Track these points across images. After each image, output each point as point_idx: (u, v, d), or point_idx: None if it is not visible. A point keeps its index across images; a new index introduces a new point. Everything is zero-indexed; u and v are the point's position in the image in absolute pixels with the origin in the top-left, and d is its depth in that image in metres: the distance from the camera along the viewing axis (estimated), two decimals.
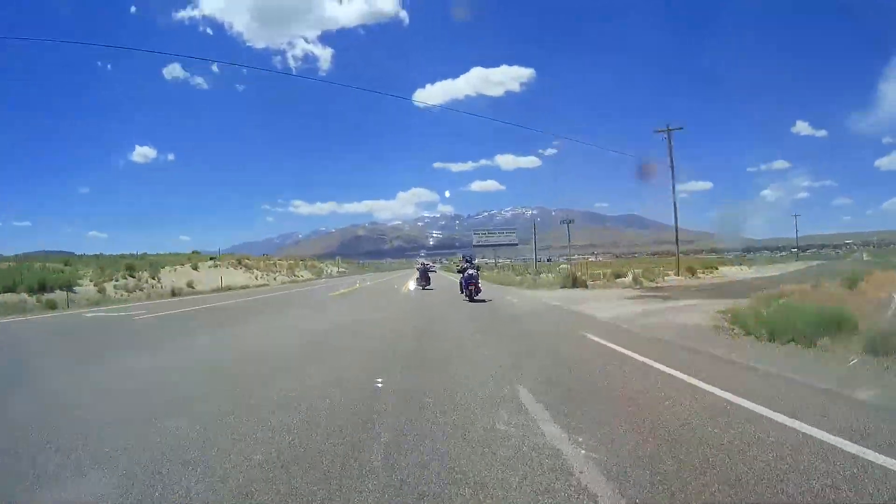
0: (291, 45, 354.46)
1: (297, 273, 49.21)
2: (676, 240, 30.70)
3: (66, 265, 30.57)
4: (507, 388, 4.38)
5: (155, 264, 32.37)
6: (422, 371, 5.37)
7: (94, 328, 11.10)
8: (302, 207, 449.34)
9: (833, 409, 3.53)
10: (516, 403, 3.92)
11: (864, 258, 48.67)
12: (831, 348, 5.54)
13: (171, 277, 31.57)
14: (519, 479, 2.53)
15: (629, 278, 21.31)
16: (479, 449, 2.94)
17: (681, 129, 31.43)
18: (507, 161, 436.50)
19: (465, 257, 17.44)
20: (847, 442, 2.87)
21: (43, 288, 20.23)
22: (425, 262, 28.22)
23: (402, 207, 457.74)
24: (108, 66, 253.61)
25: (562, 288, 18.79)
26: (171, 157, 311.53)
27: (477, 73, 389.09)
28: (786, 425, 3.22)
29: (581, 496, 2.33)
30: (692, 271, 27.79)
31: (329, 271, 58.95)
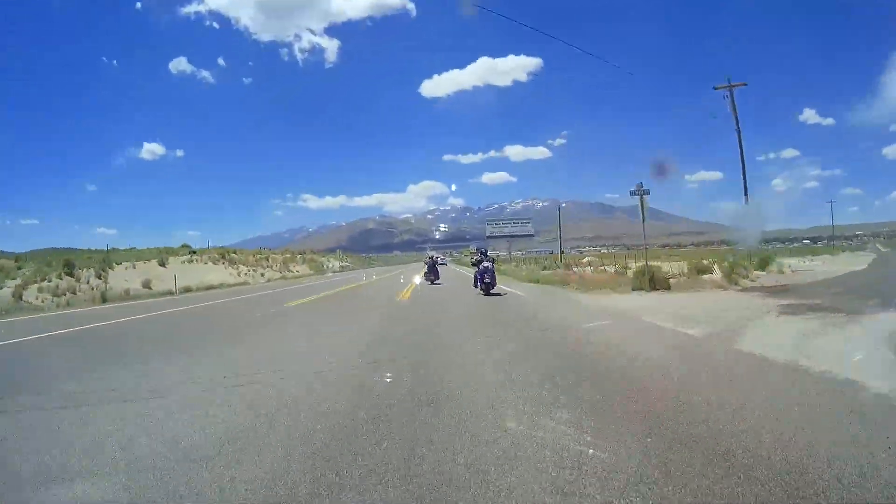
0: (298, 37, 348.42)
1: (291, 268, 43.24)
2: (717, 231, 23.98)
3: (17, 263, 24.95)
4: None
5: (108, 261, 26.45)
6: None
7: None
8: (311, 201, 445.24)
9: None
10: None
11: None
12: None
13: (126, 276, 25.66)
14: None
15: (716, 275, 14.90)
16: None
17: (745, 84, 24.55)
18: (516, 152, 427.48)
19: (480, 249, 16.20)
20: None
21: None
22: (434, 256, 25.13)
23: (412, 200, 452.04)
24: (115, 62, 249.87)
25: (635, 291, 12.39)
26: (179, 153, 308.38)
27: (484, 62, 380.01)
28: None
29: None
30: (765, 264, 21.12)
31: (330, 266, 52.96)
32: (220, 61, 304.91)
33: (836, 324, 6.65)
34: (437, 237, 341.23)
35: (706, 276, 14.69)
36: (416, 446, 2.73)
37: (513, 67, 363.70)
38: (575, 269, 25.80)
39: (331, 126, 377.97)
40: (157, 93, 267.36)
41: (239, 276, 33.54)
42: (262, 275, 35.85)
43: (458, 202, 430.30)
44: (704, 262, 17.60)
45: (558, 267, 31.25)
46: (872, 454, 2.43)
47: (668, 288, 12.33)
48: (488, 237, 66.81)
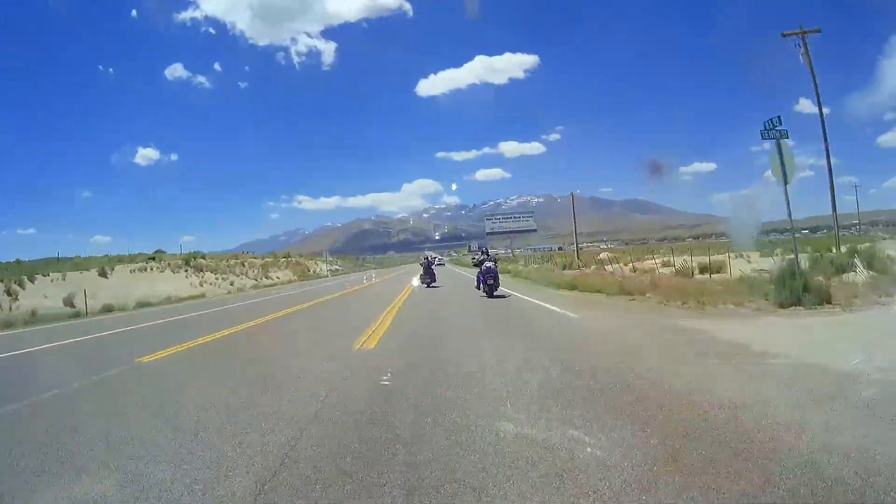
0: (294, 41, 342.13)
1: (271, 274, 37.79)
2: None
3: None
4: None
5: (26, 272, 20.98)
6: None
7: None
8: (307, 203, 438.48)
9: None
10: None
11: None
12: None
13: (49, 291, 20.23)
14: None
15: (859, 275, 9.74)
16: None
17: (818, 31, 19.25)
18: (510, 148, 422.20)
19: (482, 249, 15.58)
20: None
21: None
22: (430, 256, 22.88)
23: (407, 199, 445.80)
24: (111, 70, 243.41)
25: (784, 308, 7.05)
26: (173, 157, 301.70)
27: (480, 61, 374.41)
28: None
29: None
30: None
31: (318, 270, 47.50)
32: (216, 66, 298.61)
33: None
34: (436, 237, 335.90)
35: (845, 277, 9.45)
36: None
37: (509, 65, 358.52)
38: (608, 269, 20.50)
39: (326, 127, 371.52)
40: (152, 99, 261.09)
41: (201, 285, 28.10)
42: (232, 283, 30.41)
43: (454, 200, 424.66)
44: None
45: (581, 266, 25.98)
46: None
47: (828, 300, 7.09)
48: (488, 234, 61.41)
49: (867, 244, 16.10)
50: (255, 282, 33.25)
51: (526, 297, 11.87)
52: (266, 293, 22.75)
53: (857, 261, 9.82)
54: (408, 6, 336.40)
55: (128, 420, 3.57)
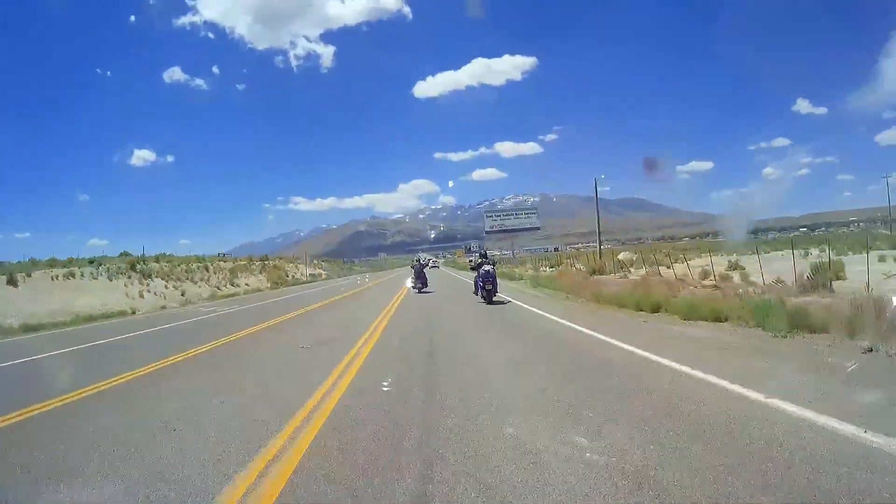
0: (293, 44, 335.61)
1: (238, 281, 32.21)
2: None
3: None
4: None
5: None
6: None
7: None
8: (303, 204, 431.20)
9: None
10: None
11: None
12: None
13: None
14: None
15: None
16: None
17: None
18: (507, 148, 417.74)
19: (481, 252, 14.57)
20: None
21: None
22: (422, 259, 22.04)
23: (403, 200, 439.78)
24: (108, 73, 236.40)
25: None
26: (170, 159, 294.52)
27: (479, 63, 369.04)
28: None
29: None
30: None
31: (297, 274, 41.87)
32: (214, 69, 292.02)
33: None
34: (431, 237, 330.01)
35: None
36: None
37: (507, 67, 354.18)
38: (659, 273, 15.16)
39: (323, 129, 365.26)
40: (149, 102, 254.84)
41: (141, 296, 22.53)
42: (183, 293, 24.83)
43: (450, 200, 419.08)
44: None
45: (624, 269, 20.66)
46: None
47: None
48: (488, 232, 56.16)
49: None
50: (215, 290, 27.67)
51: (605, 339, 6.51)
52: (222, 307, 17.24)
53: None
54: (407, 9, 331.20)
55: None
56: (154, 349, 7.78)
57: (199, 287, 27.70)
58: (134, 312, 18.42)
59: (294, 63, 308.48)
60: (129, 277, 25.00)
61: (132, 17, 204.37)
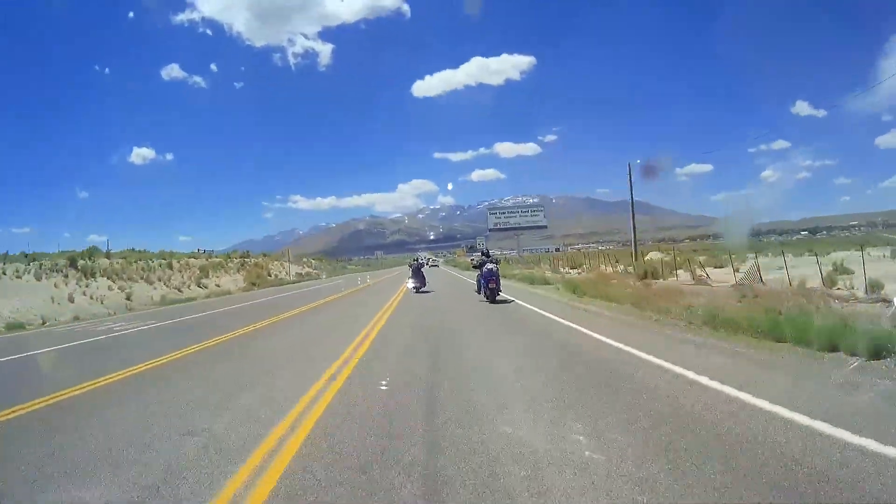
0: (292, 42, 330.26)
1: (207, 282, 27.61)
2: None
3: None
4: None
5: None
6: None
7: None
8: (301, 203, 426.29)
9: None
10: None
11: None
12: None
13: None
14: None
15: None
16: None
17: None
18: (506, 149, 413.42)
19: (484, 250, 13.74)
20: None
21: None
22: (420, 258, 20.41)
23: (402, 200, 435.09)
24: (106, 70, 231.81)
25: None
26: (169, 156, 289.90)
27: (477, 62, 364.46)
28: None
29: None
30: None
31: (281, 274, 37.21)
32: (213, 67, 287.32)
33: None
34: (431, 237, 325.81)
35: None
36: None
37: (506, 66, 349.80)
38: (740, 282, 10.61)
39: (321, 127, 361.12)
40: (148, 99, 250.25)
41: (70, 299, 17.97)
42: (129, 297, 20.26)
43: (449, 200, 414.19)
44: None
45: (658, 277, 16.12)
46: None
47: None
48: (491, 230, 51.65)
49: None
50: (174, 292, 23.11)
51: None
52: (155, 317, 12.64)
53: None
54: (406, 7, 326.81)
55: None
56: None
57: (155, 288, 23.11)
58: (41, 324, 13.81)
59: (292, 61, 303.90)
60: (66, 276, 20.43)
61: (130, 13, 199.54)
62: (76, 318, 15.08)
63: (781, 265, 16.42)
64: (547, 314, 8.68)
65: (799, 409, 2.98)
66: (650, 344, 5.39)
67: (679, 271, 17.91)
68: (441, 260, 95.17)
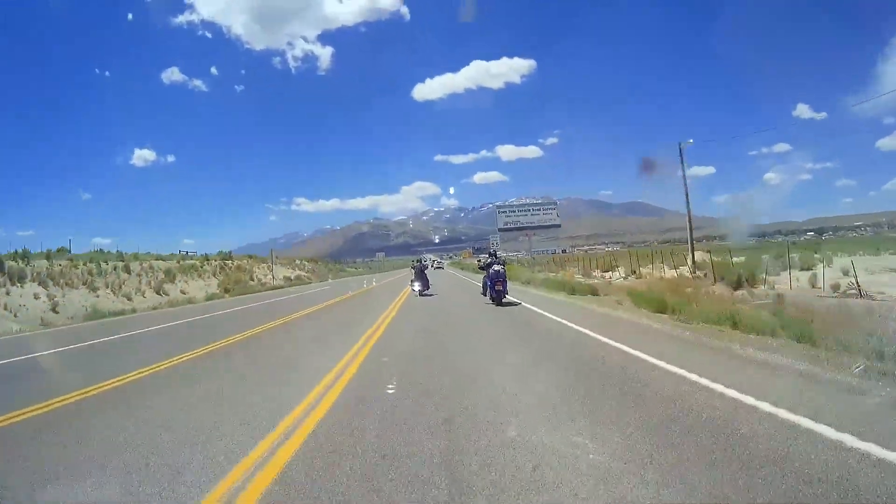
0: (291, 45, 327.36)
1: (171, 288, 23.24)
2: None
3: None
4: None
5: None
6: None
7: None
8: (305, 205, 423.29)
9: None
10: None
11: None
12: None
13: None
14: None
15: None
16: None
17: None
18: (507, 151, 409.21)
19: (491, 251, 13.24)
20: None
21: None
22: (423, 259, 18.26)
23: (406, 202, 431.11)
24: (107, 73, 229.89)
25: None
26: (170, 158, 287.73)
27: (477, 66, 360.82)
28: None
29: None
30: None
31: (268, 278, 32.71)
32: (213, 70, 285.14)
33: None
34: (435, 240, 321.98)
35: None
36: None
37: (506, 70, 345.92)
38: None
39: (323, 130, 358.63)
40: (148, 102, 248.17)
41: None
42: (54, 307, 15.90)
43: (452, 203, 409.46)
44: None
45: (755, 284, 11.53)
46: None
47: None
48: (501, 230, 47.01)
49: None
50: (123, 302, 18.74)
51: None
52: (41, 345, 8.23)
53: None
54: (405, 10, 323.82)
55: None
56: None
57: (97, 296, 18.74)
58: None
59: (292, 64, 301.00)
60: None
61: (129, 15, 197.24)
62: None
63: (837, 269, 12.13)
64: (706, 382, 4.04)
65: None
66: None
67: (767, 275, 13.28)
68: (446, 262, 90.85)
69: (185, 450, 2.74)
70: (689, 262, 16.49)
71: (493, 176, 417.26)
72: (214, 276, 27.99)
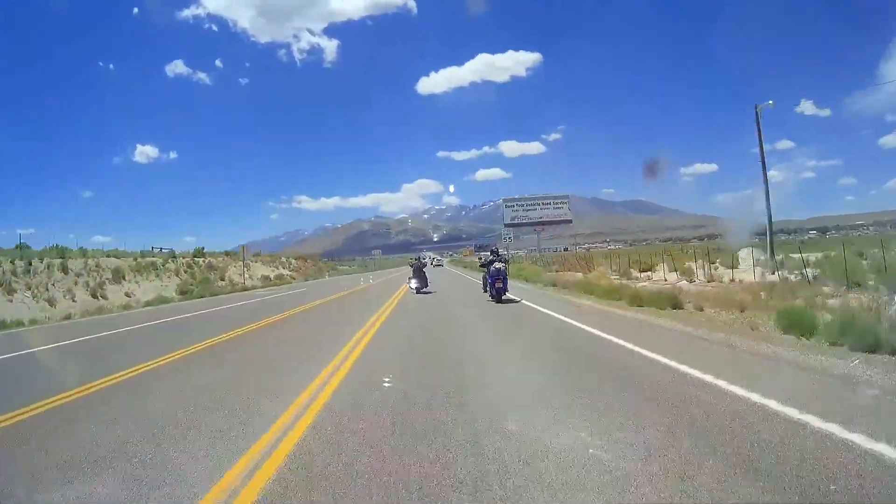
0: (297, 38, 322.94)
1: (115, 290, 19.33)
2: None
3: None
4: None
5: None
6: None
7: None
8: (307, 203, 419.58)
9: None
10: None
11: None
12: None
13: None
14: None
15: None
16: None
17: None
18: (510, 148, 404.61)
19: (492, 249, 13.21)
20: None
21: None
22: (422, 257, 18.50)
23: (407, 200, 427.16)
24: (111, 66, 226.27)
25: None
26: (173, 154, 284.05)
27: (483, 59, 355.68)
28: None
29: None
30: None
31: (248, 277, 28.68)
32: (218, 63, 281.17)
33: None
34: (435, 238, 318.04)
35: None
36: None
37: (512, 63, 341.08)
38: None
39: (326, 126, 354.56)
40: (152, 96, 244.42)
41: None
42: None
43: (454, 200, 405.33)
44: None
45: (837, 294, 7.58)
46: None
47: None
48: (508, 225, 43.02)
49: None
50: (43, 307, 14.79)
51: None
52: None
53: None
54: (412, 2, 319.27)
55: None
56: None
57: (10, 301, 14.81)
58: None
59: (298, 57, 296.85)
60: None
61: (135, 10, 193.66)
62: None
63: None
64: None
65: None
66: None
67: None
68: (446, 259, 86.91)
69: None
70: (769, 259, 12.55)
71: (495, 173, 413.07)
72: (178, 275, 24.05)
